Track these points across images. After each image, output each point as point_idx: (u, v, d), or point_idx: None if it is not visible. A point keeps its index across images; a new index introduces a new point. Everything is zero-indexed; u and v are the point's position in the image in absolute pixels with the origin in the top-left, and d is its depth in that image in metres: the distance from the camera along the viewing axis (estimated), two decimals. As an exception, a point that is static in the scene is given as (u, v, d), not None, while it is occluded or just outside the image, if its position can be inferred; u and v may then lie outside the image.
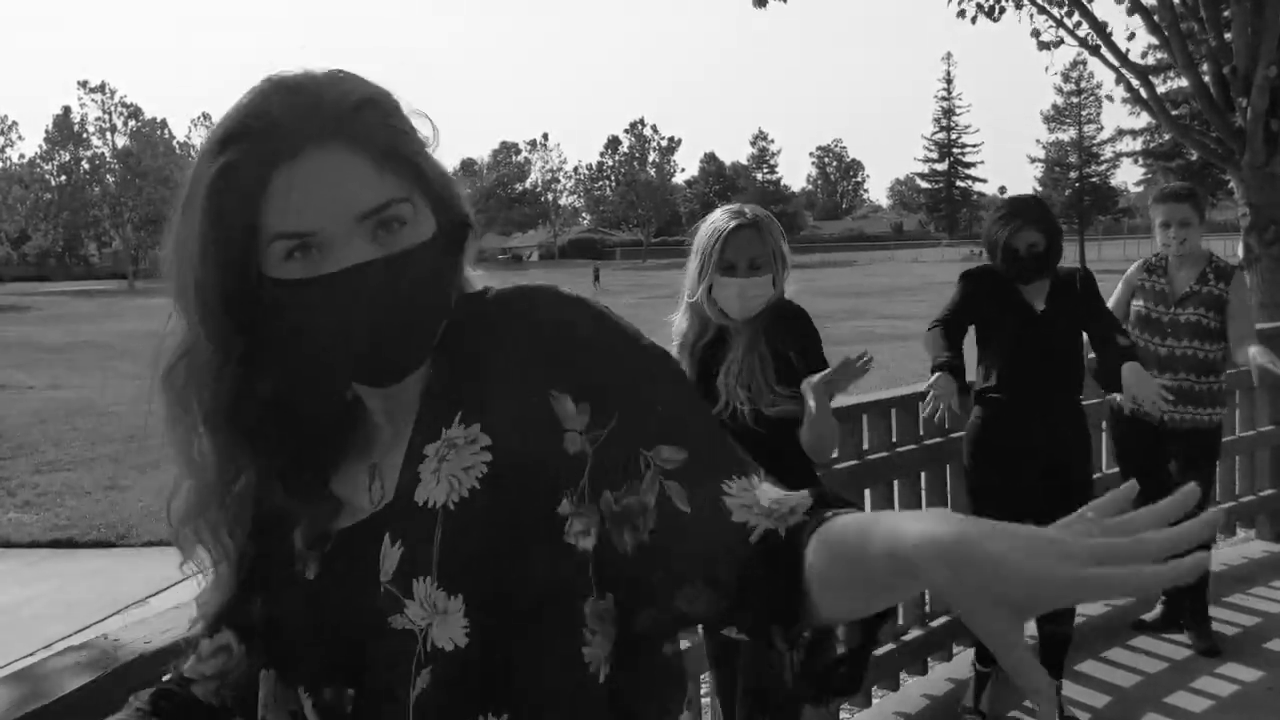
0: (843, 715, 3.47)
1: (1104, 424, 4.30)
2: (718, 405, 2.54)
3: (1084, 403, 3.43)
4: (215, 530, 0.92)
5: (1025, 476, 3.34)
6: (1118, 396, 3.87)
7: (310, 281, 0.82)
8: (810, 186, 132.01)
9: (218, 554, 0.94)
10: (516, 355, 0.88)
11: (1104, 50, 8.55)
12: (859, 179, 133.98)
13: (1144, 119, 40.63)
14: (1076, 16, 8.78)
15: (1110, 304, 3.93)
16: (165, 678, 1.04)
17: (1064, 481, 3.32)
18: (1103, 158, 56.75)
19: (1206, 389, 3.91)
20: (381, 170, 0.83)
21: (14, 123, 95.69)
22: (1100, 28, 8.50)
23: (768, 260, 2.51)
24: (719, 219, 2.55)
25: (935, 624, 3.81)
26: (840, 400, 3.69)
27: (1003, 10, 9.28)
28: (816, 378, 2.42)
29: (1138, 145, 46.65)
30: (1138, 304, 4.03)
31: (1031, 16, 9.10)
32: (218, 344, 0.86)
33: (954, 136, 77.30)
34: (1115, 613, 4.20)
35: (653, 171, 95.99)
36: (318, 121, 0.82)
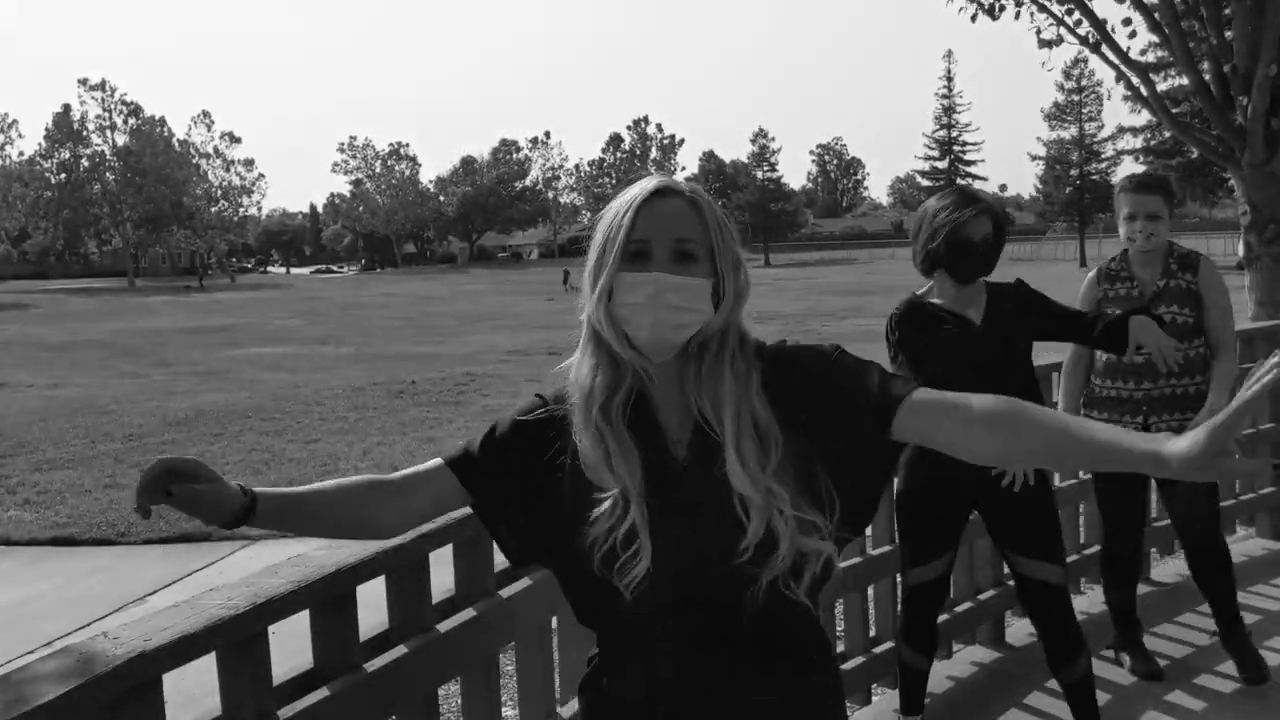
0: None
1: None
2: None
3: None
4: None
5: (961, 489, 3.12)
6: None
7: None
8: (810, 184, 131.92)
9: None
10: None
11: (1104, 48, 8.53)
12: (859, 177, 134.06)
13: (1145, 116, 40.59)
14: (1077, 15, 8.76)
15: None
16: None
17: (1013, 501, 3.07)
18: (1104, 155, 56.68)
19: (1196, 390, 3.61)
20: None
21: (14, 120, 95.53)
22: (1100, 25, 8.48)
23: (706, 253, 1.41)
24: (634, 187, 1.45)
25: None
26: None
27: (1002, 8, 9.24)
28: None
29: (1139, 143, 46.63)
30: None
31: (1031, 15, 9.07)
32: None
33: (955, 134, 77.09)
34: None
35: (653, 169, 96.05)
36: None
